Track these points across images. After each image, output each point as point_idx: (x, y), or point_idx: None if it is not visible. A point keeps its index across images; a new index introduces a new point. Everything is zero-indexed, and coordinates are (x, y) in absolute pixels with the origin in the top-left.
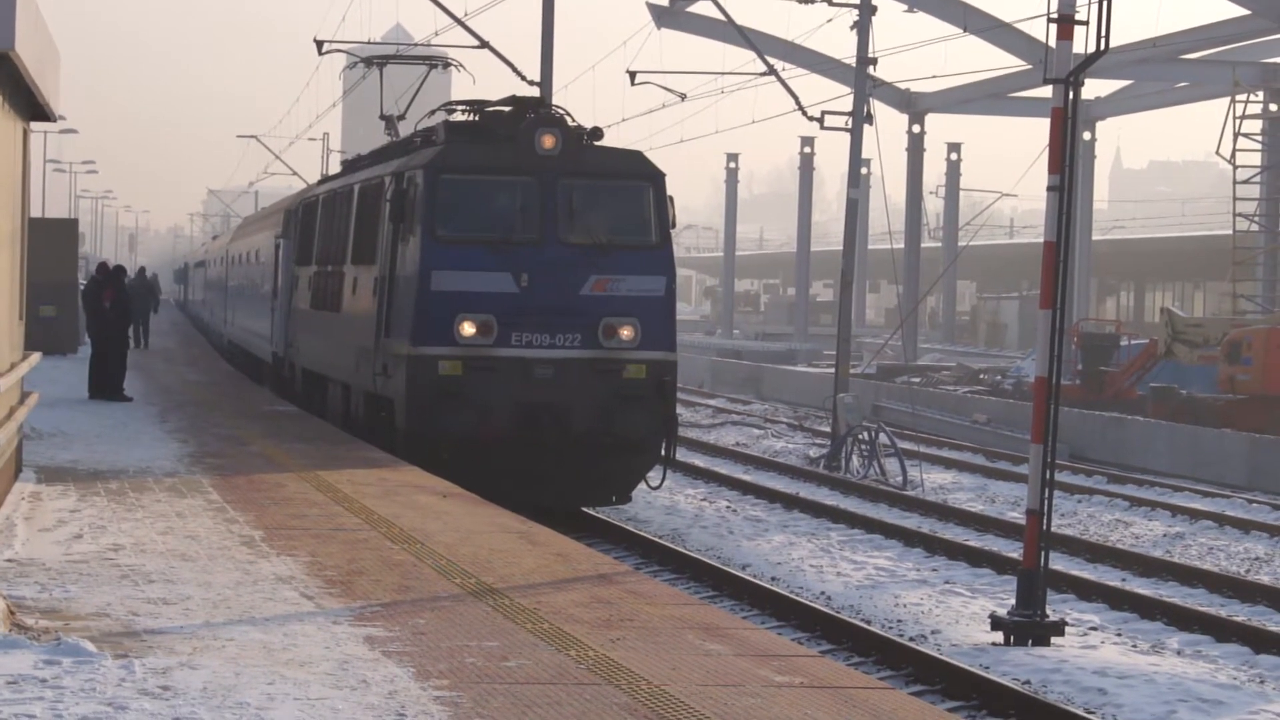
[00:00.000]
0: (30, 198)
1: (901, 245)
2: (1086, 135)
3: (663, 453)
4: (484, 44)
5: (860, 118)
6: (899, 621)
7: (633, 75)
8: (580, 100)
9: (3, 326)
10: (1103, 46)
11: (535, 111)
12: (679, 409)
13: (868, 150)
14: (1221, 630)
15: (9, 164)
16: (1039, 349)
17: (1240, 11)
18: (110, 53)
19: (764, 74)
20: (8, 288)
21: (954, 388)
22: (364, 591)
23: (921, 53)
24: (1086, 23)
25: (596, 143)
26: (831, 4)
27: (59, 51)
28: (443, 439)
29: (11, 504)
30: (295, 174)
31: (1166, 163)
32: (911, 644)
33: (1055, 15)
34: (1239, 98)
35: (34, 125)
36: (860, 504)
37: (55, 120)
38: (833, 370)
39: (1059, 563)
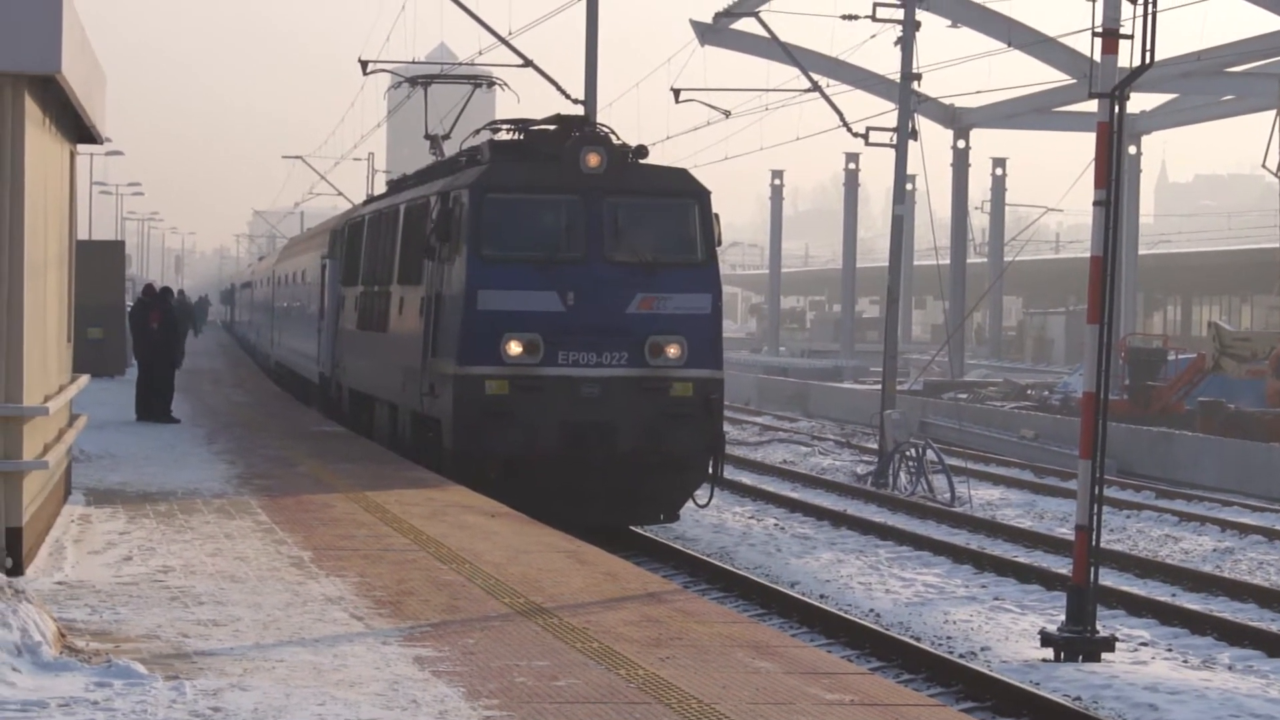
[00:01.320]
0: (77, 220)
1: (947, 261)
2: (1132, 149)
3: (710, 471)
4: (528, 63)
5: (905, 134)
6: (948, 638)
7: (677, 93)
8: (625, 118)
9: (51, 349)
10: (1148, 60)
11: (580, 130)
12: (726, 426)
13: (913, 166)
14: (1273, 645)
15: (56, 186)
16: (1086, 364)
17: None
18: (155, 75)
19: (808, 90)
20: (56, 310)
21: (1001, 403)
22: (413, 611)
23: (966, 68)
24: (1131, 37)
25: (641, 160)
26: (875, 20)
27: (105, 74)
28: (490, 458)
29: (61, 526)
30: (341, 194)
31: (1212, 176)
32: (961, 661)
33: (1100, 29)
34: None
35: (80, 147)
36: (908, 521)
37: (102, 142)
38: (879, 387)
39: (1108, 578)
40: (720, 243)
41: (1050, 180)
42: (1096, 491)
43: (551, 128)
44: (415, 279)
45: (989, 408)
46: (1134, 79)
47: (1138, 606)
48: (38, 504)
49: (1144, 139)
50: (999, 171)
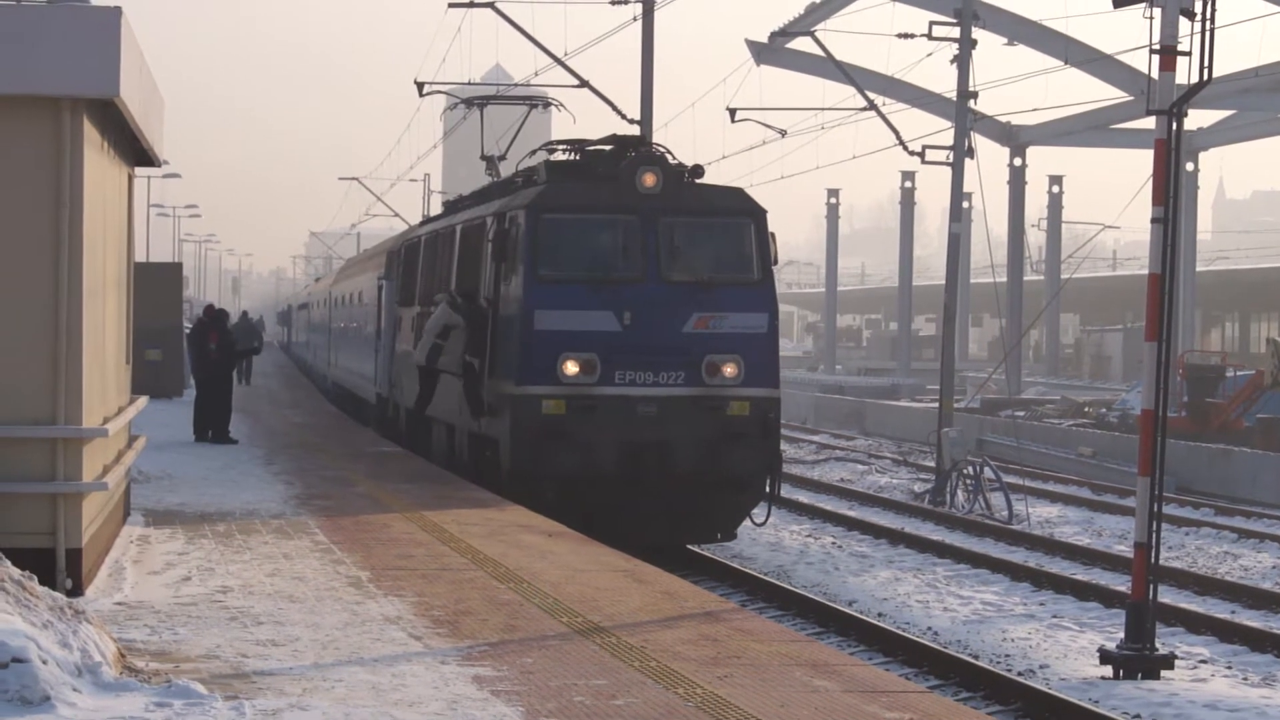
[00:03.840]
0: (135, 242)
1: (1004, 279)
2: (1189, 166)
3: (767, 489)
4: (584, 83)
5: (961, 152)
6: (1007, 656)
7: (733, 112)
8: (680, 138)
9: (110, 370)
10: (1205, 77)
11: (636, 150)
12: (783, 445)
13: (969, 184)
14: None
15: (115, 209)
16: (1145, 381)
17: None
18: (212, 98)
19: (864, 109)
20: (115, 331)
21: (1059, 421)
22: (471, 631)
23: (1022, 85)
24: (1189, 54)
25: (697, 180)
26: (931, 38)
27: (163, 98)
28: (547, 478)
29: (120, 547)
30: (397, 215)
31: (1270, 192)
32: (1020, 678)
33: (1157, 46)
34: None
35: (138, 170)
36: (966, 539)
37: (159, 165)
38: (936, 405)
39: (1167, 595)
40: (776, 261)
41: (1107, 197)
42: (1155, 508)
43: (607, 148)
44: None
45: (1047, 425)
46: (1191, 96)
47: (1197, 624)
48: (97, 525)
49: (1201, 155)
50: (1056, 189)
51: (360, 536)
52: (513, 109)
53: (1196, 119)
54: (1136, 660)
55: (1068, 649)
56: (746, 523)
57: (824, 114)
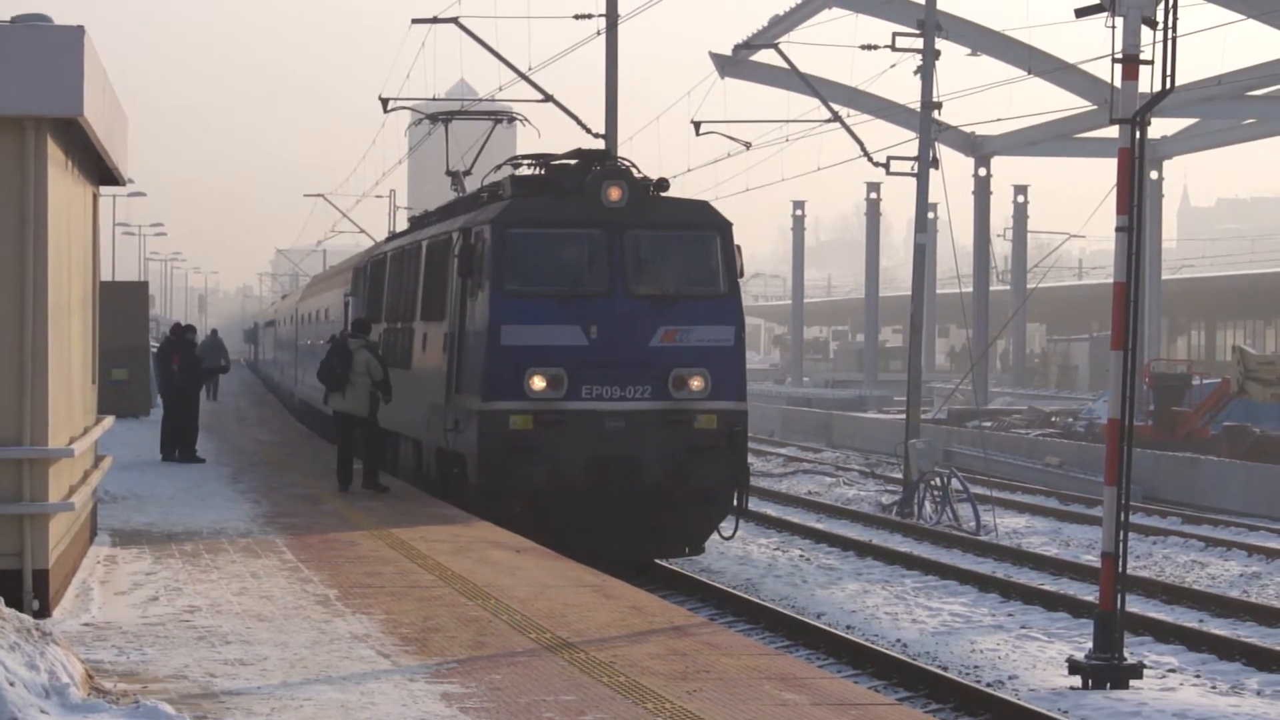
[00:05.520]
0: (100, 261)
1: (970, 289)
2: (1154, 174)
3: (735, 503)
4: (548, 98)
5: (926, 162)
6: (976, 667)
7: (697, 125)
8: (645, 151)
9: (76, 391)
10: (1168, 85)
11: (601, 164)
12: (750, 458)
13: (934, 194)
14: None
15: (79, 228)
16: (1111, 390)
17: None
18: (176, 116)
19: (828, 121)
20: (80, 352)
21: (1026, 431)
22: (440, 648)
23: (986, 96)
24: (1151, 62)
25: (662, 193)
26: (895, 50)
27: (127, 116)
28: (515, 493)
29: (87, 568)
30: (363, 232)
31: (1235, 200)
32: (989, 690)
33: (1120, 55)
34: None
35: (103, 189)
36: (934, 550)
37: (124, 184)
38: (903, 416)
39: (1135, 605)
40: (742, 274)
41: (1072, 206)
42: (1122, 518)
43: (572, 162)
44: (438, 315)
45: (1013, 435)
46: (1155, 104)
47: (1165, 633)
48: (64, 546)
49: (1165, 164)
50: (1021, 199)
51: (328, 554)
52: (477, 124)
53: (1160, 127)
54: (1105, 670)
55: (1036, 659)
56: (714, 536)
57: (789, 126)
